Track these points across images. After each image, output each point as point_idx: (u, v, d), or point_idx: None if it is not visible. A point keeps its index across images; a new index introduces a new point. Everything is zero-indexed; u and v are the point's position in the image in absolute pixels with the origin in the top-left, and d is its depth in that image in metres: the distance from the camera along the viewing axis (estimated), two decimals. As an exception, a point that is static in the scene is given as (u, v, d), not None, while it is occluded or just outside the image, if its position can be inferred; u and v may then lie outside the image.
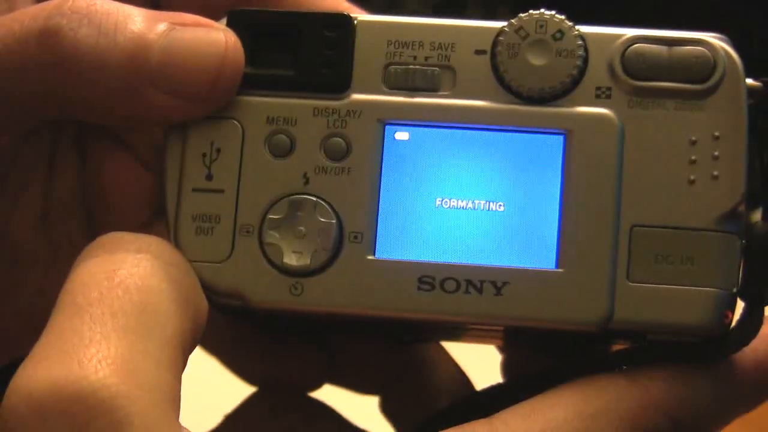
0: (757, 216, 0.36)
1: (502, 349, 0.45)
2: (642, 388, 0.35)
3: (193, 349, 0.35)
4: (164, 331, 0.33)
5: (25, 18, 0.37)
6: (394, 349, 0.45)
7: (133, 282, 0.33)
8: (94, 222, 0.43)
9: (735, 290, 0.35)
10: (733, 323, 0.36)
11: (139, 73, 0.37)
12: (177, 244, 0.37)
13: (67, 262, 0.37)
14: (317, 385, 0.46)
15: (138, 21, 0.37)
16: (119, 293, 0.33)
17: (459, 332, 0.40)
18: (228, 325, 0.44)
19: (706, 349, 0.36)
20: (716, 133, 0.36)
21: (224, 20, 0.38)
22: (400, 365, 0.46)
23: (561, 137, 0.36)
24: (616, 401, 0.35)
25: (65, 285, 0.34)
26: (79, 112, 0.38)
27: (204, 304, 0.36)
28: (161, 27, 0.37)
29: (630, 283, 0.35)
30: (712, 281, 0.35)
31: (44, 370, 0.31)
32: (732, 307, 0.36)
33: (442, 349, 0.46)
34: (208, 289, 0.36)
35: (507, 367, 0.45)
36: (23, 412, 0.30)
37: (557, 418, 0.35)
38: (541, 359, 0.41)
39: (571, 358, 0.38)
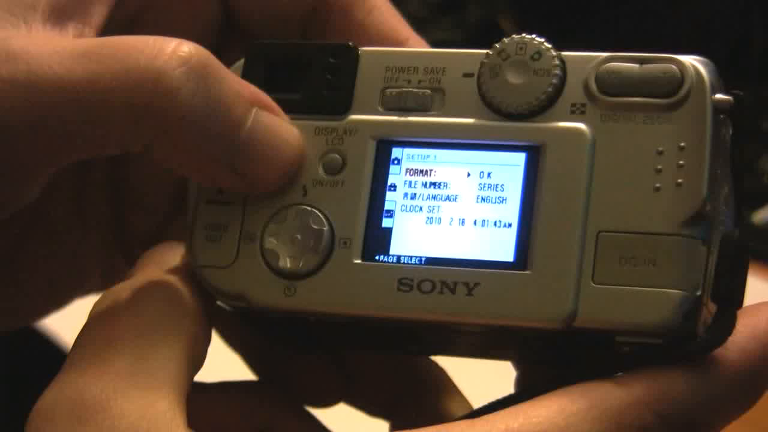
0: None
1: (516, 366, 0.45)
2: (626, 387, 0.36)
3: (197, 368, 0.38)
4: (159, 356, 0.37)
5: (130, 51, 0.37)
6: (407, 371, 0.47)
7: (135, 325, 0.37)
8: (122, 208, 0.46)
9: (699, 293, 0.36)
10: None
11: (225, 150, 0.38)
12: (190, 251, 0.40)
13: (95, 240, 0.44)
14: (332, 401, 0.47)
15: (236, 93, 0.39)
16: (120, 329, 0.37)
17: (454, 340, 0.41)
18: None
19: (680, 349, 0.36)
20: (682, 144, 0.37)
21: (241, 62, 0.41)
22: (412, 389, 0.47)
23: (524, 154, 0.38)
24: (599, 400, 0.35)
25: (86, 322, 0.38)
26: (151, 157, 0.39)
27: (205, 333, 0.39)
28: (251, 108, 0.39)
29: (594, 284, 0.37)
30: (673, 283, 0.36)
31: (61, 383, 0.36)
32: (695, 310, 0.36)
33: (450, 381, 0.47)
34: (215, 291, 0.40)
35: (521, 384, 0.45)
36: (38, 408, 0.36)
37: (539, 415, 0.35)
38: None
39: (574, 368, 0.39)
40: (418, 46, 0.43)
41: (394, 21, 0.44)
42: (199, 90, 0.37)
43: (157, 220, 0.46)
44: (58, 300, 0.47)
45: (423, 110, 0.40)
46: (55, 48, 0.37)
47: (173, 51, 0.37)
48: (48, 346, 0.80)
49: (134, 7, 0.43)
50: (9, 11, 0.38)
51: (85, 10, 0.40)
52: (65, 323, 0.81)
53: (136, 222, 0.46)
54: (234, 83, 0.38)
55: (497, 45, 0.39)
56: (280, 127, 0.39)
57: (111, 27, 0.41)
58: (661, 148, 0.37)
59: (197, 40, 0.38)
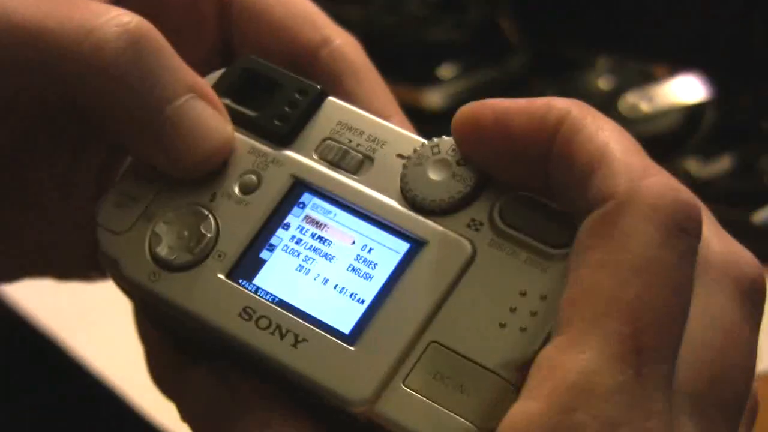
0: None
1: None
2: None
3: None
4: None
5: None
6: None
7: None
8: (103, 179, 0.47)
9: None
10: None
11: (145, 118, 0.40)
12: (98, 208, 0.43)
13: (74, 220, 0.45)
14: None
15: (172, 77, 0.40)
16: None
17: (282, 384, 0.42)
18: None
19: None
20: (545, 294, 0.38)
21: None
22: None
23: (407, 245, 0.40)
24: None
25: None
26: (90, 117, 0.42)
27: None
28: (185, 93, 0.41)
29: (402, 386, 0.38)
30: (470, 415, 0.37)
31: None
32: None
33: None
34: (100, 251, 0.42)
35: None
36: None
37: None
38: None
39: None
40: (399, 125, 0.44)
41: (383, 96, 0.46)
42: (128, 51, 0.39)
43: None
44: (36, 267, 0.47)
45: (348, 171, 0.41)
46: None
47: (116, 14, 0.39)
48: (48, 346, 0.80)
49: None
50: None
51: None
52: (65, 323, 0.81)
53: None
54: (172, 61, 0.40)
55: (436, 140, 0.41)
56: (211, 118, 0.41)
57: None
58: (525, 290, 0.38)
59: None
